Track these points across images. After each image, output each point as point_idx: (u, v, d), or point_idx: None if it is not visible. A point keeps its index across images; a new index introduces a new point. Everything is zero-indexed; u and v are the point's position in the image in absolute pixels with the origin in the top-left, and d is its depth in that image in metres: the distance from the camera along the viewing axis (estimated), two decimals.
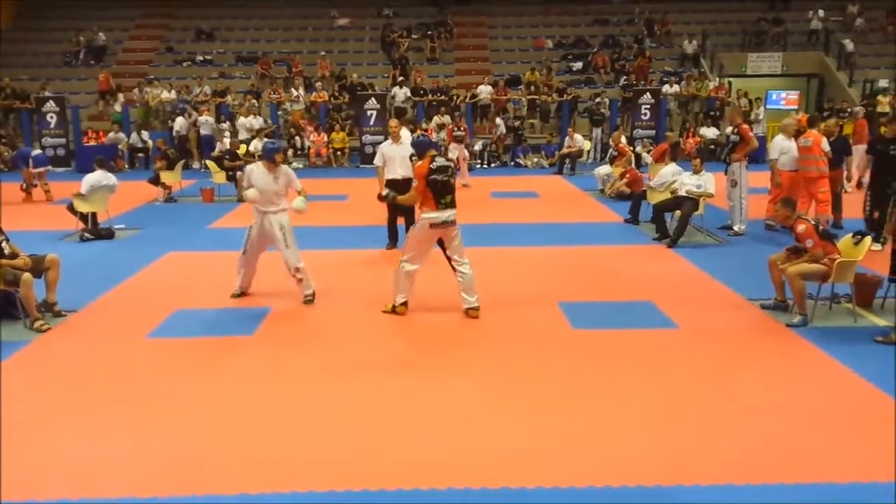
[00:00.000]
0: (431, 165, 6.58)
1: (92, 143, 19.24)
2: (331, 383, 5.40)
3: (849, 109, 20.63)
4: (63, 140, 19.55)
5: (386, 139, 9.83)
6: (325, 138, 19.64)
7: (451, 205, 6.68)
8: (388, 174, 9.30)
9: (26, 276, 6.51)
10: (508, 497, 3.85)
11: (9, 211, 11.47)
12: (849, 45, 23.60)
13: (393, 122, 9.80)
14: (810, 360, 5.80)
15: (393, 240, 9.61)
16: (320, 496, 3.88)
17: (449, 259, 6.95)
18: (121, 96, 21.60)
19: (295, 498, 3.87)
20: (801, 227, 6.64)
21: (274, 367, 5.74)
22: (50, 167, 14.60)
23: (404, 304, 6.93)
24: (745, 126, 10.62)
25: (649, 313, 6.91)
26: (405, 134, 9.94)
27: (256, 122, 18.97)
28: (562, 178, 17.10)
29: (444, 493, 3.90)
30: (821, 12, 24.73)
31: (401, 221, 9.69)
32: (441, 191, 6.59)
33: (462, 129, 16.97)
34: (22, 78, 22.68)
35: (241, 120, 19.25)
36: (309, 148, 19.69)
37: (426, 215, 6.65)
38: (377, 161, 9.52)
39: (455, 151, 15.65)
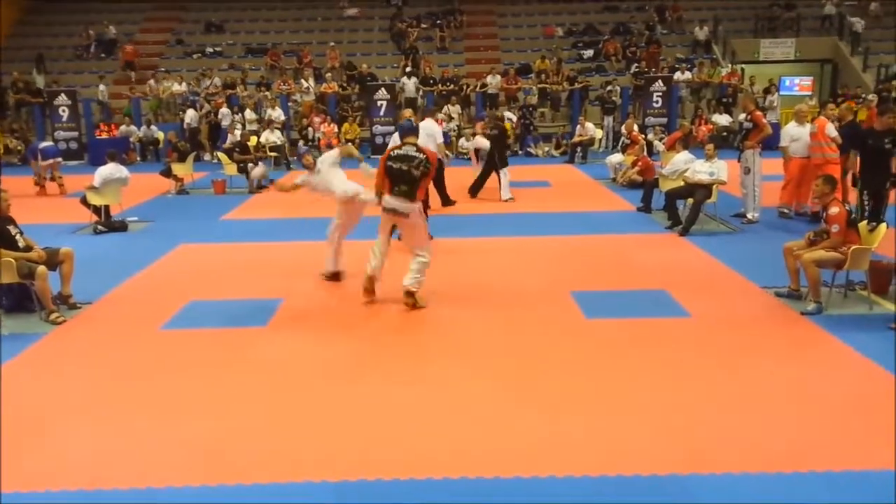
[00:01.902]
0: (392, 153, 6.68)
1: (104, 136, 19.33)
2: (344, 373, 5.41)
3: (863, 95, 20.43)
4: (75, 133, 19.67)
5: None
6: (336, 129, 19.63)
7: (406, 195, 6.51)
8: None
9: (41, 268, 6.55)
10: (522, 486, 3.86)
11: (23, 204, 11.55)
12: (858, 24, 23.29)
13: (406, 112, 9.76)
14: (825, 347, 5.77)
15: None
16: (334, 486, 3.90)
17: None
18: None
19: (309, 488, 3.89)
20: (834, 210, 6.50)
21: (287, 357, 5.76)
22: (60, 159, 14.60)
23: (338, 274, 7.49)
24: (759, 113, 10.54)
25: (662, 302, 6.88)
26: (427, 124, 9.93)
27: (275, 113, 18.96)
28: (573, 166, 17.04)
29: (457, 482, 3.91)
30: None
31: None
32: (396, 178, 6.54)
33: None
34: (32, 72, 22.80)
35: (249, 113, 19.26)
36: (319, 139, 19.68)
37: (384, 198, 6.68)
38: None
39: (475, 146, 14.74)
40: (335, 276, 7.79)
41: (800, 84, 22.86)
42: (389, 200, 6.62)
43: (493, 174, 12.61)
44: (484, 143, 12.74)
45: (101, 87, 21.61)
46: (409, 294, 6.75)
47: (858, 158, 8.98)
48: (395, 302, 7.01)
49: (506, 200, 12.25)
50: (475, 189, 12.77)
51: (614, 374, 5.29)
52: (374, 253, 7.01)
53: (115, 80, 23.28)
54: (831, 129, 9.84)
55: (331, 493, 3.84)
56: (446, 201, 11.78)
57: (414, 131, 7.11)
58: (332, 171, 7.65)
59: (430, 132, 10.91)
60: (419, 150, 6.65)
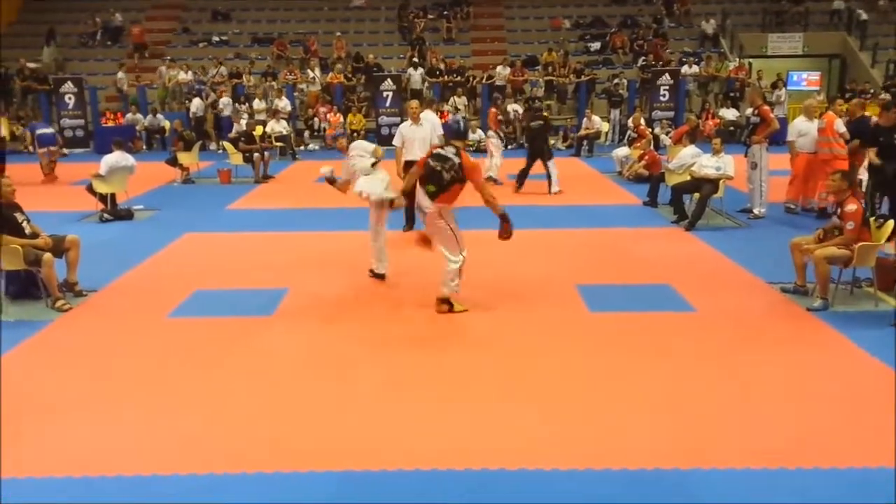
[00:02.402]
0: (434, 151, 6.48)
1: (110, 123, 19.34)
2: (349, 363, 5.43)
3: (871, 90, 20.33)
4: (81, 121, 19.68)
5: (403, 120, 9.79)
6: (342, 119, 19.61)
7: (432, 195, 6.33)
8: (407, 155, 9.28)
9: (47, 256, 6.57)
10: (526, 478, 3.87)
11: (29, 192, 11.57)
12: (861, 14, 23.20)
13: (413, 104, 9.72)
14: (830, 344, 5.76)
15: (410, 221, 9.60)
16: (338, 476, 3.91)
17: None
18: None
19: (313, 478, 3.90)
20: (851, 207, 6.44)
21: (293, 347, 5.78)
22: (53, 147, 14.58)
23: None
24: (766, 107, 10.49)
25: (667, 296, 6.88)
26: (428, 115, 9.90)
27: (282, 103, 18.94)
28: (579, 159, 17.00)
29: (462, 473, 3.92)
30: None
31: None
32: (428, 176, 6.34)
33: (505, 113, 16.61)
34: (39, 59, 22.80)
35: (258, 103, 19.22)
36: (325, 129, 19.68)
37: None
38: (396, 142, 9.49)
39: (496, 138, 14.34)
40: (377, 276, 7.57)
41: (807, 79, 22.79)
42: (418, 196, 6.50)
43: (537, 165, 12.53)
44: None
45: (120, 74, 21.60)
46: (442, 301, 6.52)
47: (870, 153, 8.96)
48: (401, 293, 7.02)
49: (555, 193, 12.29)
50: (521, 180, 12.63)
51: (618, 368, 5.30)
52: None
53: (120, 67, 23.24)
54: (840, 125, 9.80)
55: (335, 484, 3.86)
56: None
57: (461, 135, 6.82)
58: (362, 163, 7.50)
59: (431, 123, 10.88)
60: (458, 153, 6.37)
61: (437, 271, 7.22)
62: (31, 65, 21.68)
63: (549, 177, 12.42)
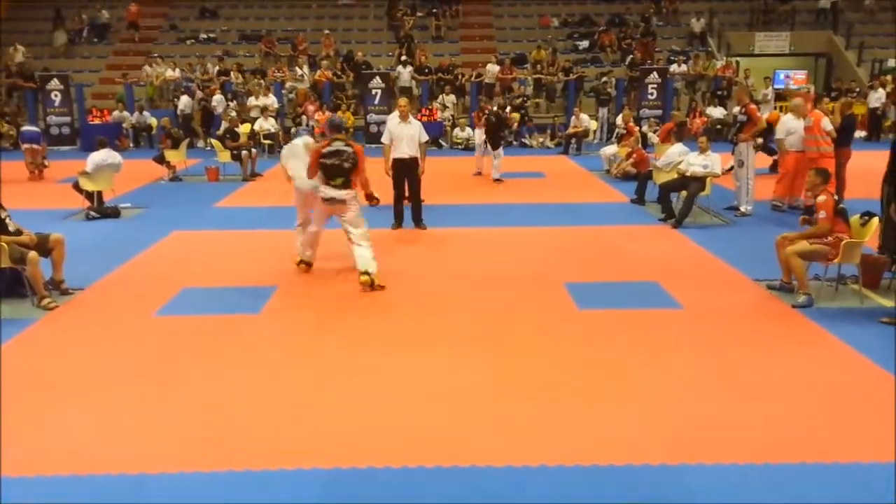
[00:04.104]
0: (324, 150, 7.03)
1: (97, 121, 19.22)
2: (336, 361, 5.42)
3: (857, 89, 20.48)
4: (68, 119, 19.54)
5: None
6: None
7: (344, 186, 7.04)
8: (395, 153, 9.28)
9: (32, 254, 6.53)
10: (513, 475, 3.88)
11: (14, 190, 11.49)
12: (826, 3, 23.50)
13: (402, 101, 9.73)
14: (815, 340, 5.81)
15: (398, 219, 9.60)
16: (325, 473, 3.91)
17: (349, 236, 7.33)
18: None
19: (300, 475, 3.90)
20: (821, 198, 6.60)
21: (280, 345, 5.77)
22: (34, 145, 14.40)
23: (305, 262, 7.69)
24: (753, 106, 10.55)
25: (655, 294, 6.91)
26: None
27: (269, 100, 18.85)
28: (567, 157, 17.04)
29: (450, 470, 3.92)
30: None
31: (407, 203, 9.70)
32: (330, 173, 7.01)
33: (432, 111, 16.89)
34: (27, 56, 22.61)
35: (253, 100, 19.11)
36: (313, 127, 19.60)
37: (320, 188, 7.19)
38: (384, 139, 9.50)
39: (482, 136, 14.22)
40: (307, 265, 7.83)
41: (794, 78, 22.90)
42: (327, 191, 7.09)
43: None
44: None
45: (164, 70, 21.48)
46: (367, 273, 7.10)
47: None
48: (388, 292, 7.03)
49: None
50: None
51: (606, 365, 5.32)
52: (311, 236, 7.56)
53: (107, 65, 23.13)
54: (826, 123, 9.86)
55: (322, 481, 3.85)
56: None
57: (340, 128, 7.48)
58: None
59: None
60: (348, 144, 7.08)
61: (427, 271, 7.24)
62: (20, 47, 21.89)
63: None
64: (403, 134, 9.21)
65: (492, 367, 5.29)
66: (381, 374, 5.19)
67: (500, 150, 13.30)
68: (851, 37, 23.46)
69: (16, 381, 5.07)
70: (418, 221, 9.57)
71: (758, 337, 5.85)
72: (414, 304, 6.72)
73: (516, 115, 16.53)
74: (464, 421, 4.48)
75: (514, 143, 19.36)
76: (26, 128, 14.65)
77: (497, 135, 13.39)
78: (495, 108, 14.73)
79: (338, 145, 7.07)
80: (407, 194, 9.61)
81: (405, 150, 9.19)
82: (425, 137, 9.37)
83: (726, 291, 6.96)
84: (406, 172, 9.33)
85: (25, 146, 14.32)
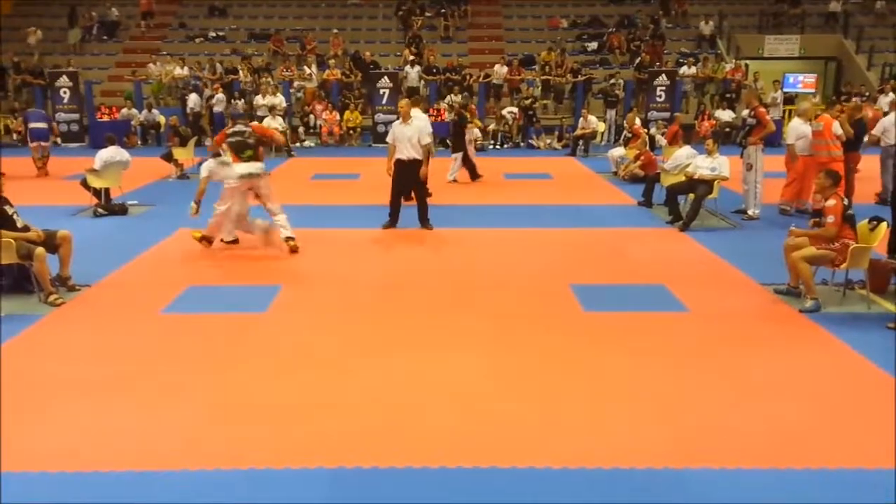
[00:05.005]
0: (227, 132, 8.43)
1: (105, 118, 19.27)
2: (341, 360, 5.42)
3: (867, 93, 20.38)
4: (77, 115, 19.60)
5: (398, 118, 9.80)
6: (338, 117, 19.58)
7: (253, 158, 8.31)
8: (397, 154, 9.29)
9: (39, 250, 6.55)
10: (517, 477, 3.87)
11: (22, 186, 11.53)
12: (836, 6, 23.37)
13: (402, 102, 9.75)
14: (822, 345, 5.78)
15: (392, 218, 9.57)
16: (330, 472, 3.91)
17: (265, 208, 8.51)
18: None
19: (304, 474, 3.90)
20: (831, 202, 6.57)
21: (286, 342, 5.77)
22: (42, 142, 14.53)
23: (234, 241, 8.65)
24: (762, 109, 10.50)
25: (661, 296, 6.89)
26: (417, 114, 9.88)
27: (276, 100, 18.86)
28: (575, 159, 17.01)
29: (454, 471, 3.92)
30: None
31: (409, 202, 9.70)
32: (239, 148, 8.28)
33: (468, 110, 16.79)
34: (34, 53, 22.74)
35: (259, 99, 19.11)
36: (321, 126, 19.65)
37: (235, 168, 8.24)
38: (389, 139, 9.53)
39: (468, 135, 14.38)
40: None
41: (803, 81, 22.80)
42: (243, 167, 8.21)
43: (465, 160, 13.28)
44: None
45: (172, 68, 21.44)
46: (292, 238, 8.36)
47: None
48: (395, 291, 7.03)
49: (449, 181, 13.06)
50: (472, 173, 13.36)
51: (611, 367, 5.30)
52: (229, 216, 8.33)
53: (116, 62, 23.20)
54: (837, 128, 9.82)
55: (327, 480, 3.85)
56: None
57: (242, 117, 9.30)
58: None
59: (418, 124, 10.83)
60: (247, 125, 8.62)
61: (433, 271, 7.22)
62: (31, 40, 22.37)
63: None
64: (404, 135, 9.23)
65: (497, 368, 5.28)
66: (387, 373, 5.19)
67: (458, 156, 13.15)
68: (861, 41, 23.35)
69: (21, 377, 5.09)
70: (424, 222, 9.56)
71: (764, 341, 5.82)
72: (420, 304, 6.72)
73: (477, 123, 16.33)
74: (469, 422, 4.48)
75: (522, 144, 19.36)
76: (35, 124, 14.70)
77: (456, 140, 13.28)
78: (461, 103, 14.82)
79: (239, 127, 8.48)
80: (412, 196, 9.62)
81: (405, 150, 9.20)
82: (427, 140, 9.32)
83: (733, 295, 6.94)
84: (406, 174, 9.30)
85: (34, 144, 14.39)
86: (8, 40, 23.04)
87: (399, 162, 9.27)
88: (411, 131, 9.20)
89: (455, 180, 13.09)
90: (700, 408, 4.67)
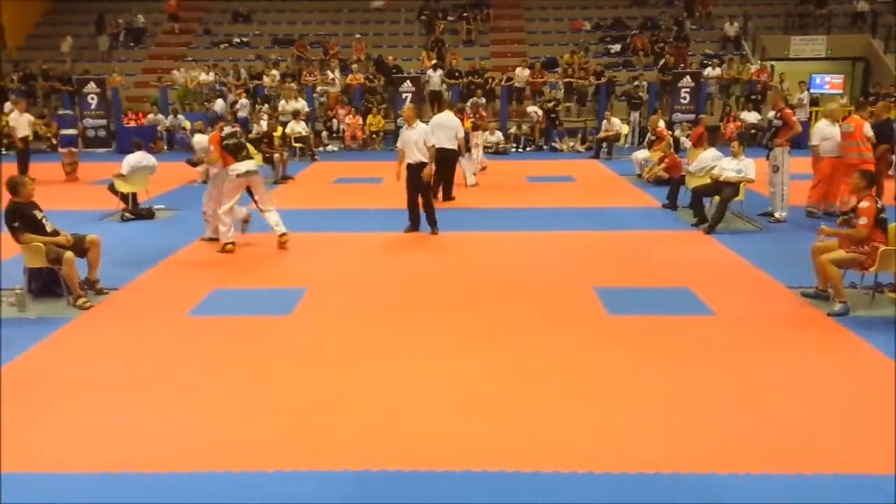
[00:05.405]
0: (222, 134, 8.64)
1: (132, 124, 19.52)
2: (365, 363, 5.43)
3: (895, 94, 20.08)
4: (104, 121, 19.89)
5: (424, 121, 9.85)
6: (361, 121, 19.67)
7: (249, 157, 8.74)
8: (406, 158, 9.32)
9: (68, 254, 6.64)
10: (542, 480, 3.85)
11: (51, 191, 11.72)
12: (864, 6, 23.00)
13: (406, 107, 9.85)
14: (851, 349, 5.69)
15: (413, 223, 9.57)
16: (355, 475, 3.91)
17: (258, 206, 8.95)
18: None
19: (330, 476, 3.91)
20: (864, 204, 6.45)
21: (311, 345, 5.80)
22: (73, 148, 15.02)
23: (233, 242, 8.69)
24: (789, 110, 10.40)
25: (686, 300, 6.83)
26: (444, 117, 9.92)
27: (299, 104, 19.00)
28: (598, 162, 16.93)
29: (478, 475, 3.90)
30: None
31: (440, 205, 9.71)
32: (235, 150, 8.59)
33: (478, 116, 16.85)
34: (66, 60, 23.11)
35: (284, 104, 19.24)
36: (344, 130, 19.74)
37: (232, 168, 8.53)
38: (399, 144, 9.63)
39: (473, 139, 14.43)
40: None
41: (831, 82, 22.50)
42: (241, 166, 8.53)
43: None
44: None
45: (197, 74, 21.67)
46: (284, 235, 8.77)
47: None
48: (419, 294, 7.03)
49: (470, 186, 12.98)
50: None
51: (636, 371, 5.26)
52: (232, 214, 8.69)
53: (143, 68, 23.50)
54: (868, 129, 9.70)
55: (352, 482, 3.86)
56: (448, 195, 11.73)
57: (219, 119, 9.59)
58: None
59: (444, 125, 10.82)
60: (233, 127, 9.06)
61: (457, 274, 7.21)
62: (65, 47, 23.03)
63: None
64: (409, 140, 9.28)
65: (519, 371, 5.26)
66: (412, 376, 5.20)
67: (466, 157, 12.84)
68: (890, 40, 23.00)
69: (52, 379, 5.16)
70: (431, 224, 9.53)
71: (793, 345, 5.75)
72: (444, 306, 6.72)
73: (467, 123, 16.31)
74: (492, 425, 4.46)
75: (545, 147, 19.31)
76: (65, 131, 15.04)
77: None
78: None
79: (229, 129, 8.84)
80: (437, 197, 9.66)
81: (413, 155, 9.25)
82: (431, 141, 9.36)
83: (760, 298, 6.86)
84: (417, 177, 9.32)
85: (64, 150, 14.67)
86: (38, 48, 23.44)
87: (409, 167, 9.32)
88: (417, 135, 9.25)
89: (476, 184, 13.05)
90: (727, 412, 4.61)
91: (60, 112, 16.98)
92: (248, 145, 9.20)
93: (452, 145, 10.92)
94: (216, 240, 8.90)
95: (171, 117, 19.85)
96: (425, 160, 9.24)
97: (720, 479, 3.86)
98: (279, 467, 3.99)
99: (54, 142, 16.08)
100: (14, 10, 24.46)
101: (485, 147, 18.44)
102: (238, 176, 8.53)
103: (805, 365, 5.36)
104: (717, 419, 4.53)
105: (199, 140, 13.81)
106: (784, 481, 3.84)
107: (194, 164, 14.18)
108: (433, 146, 9.39)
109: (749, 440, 4.26)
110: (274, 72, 21.47)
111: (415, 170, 9.25)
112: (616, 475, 3.90)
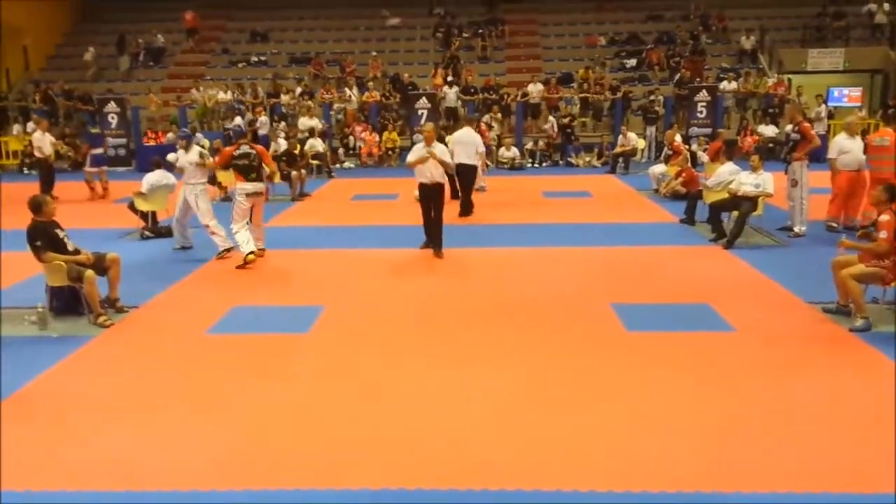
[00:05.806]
0: (234, 153, 8.92)
1: (152, 143, 19.74)
2: (383, 380, 5.44)
3: None
4: (124, 140, 20.13)
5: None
6: (377, 138, 19.78)
7: (257, 180, 8.97)
8: (420, 177, 9.23)
9: (89, 272, 6.71)
10: (561, 500, 3.83)
11: (73, 210, 11.85)
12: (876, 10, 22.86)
13: (427, 126, 9.71)
14: (873, 365, 5.62)
15: (429, 239, 9.52)
16: (372, 494, 3.91)
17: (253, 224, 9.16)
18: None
19: (348, 495, 3.91)
20: (885, 217, 6.39)
21: (329, 363, 5.81)
22: (105, 167, 15.42)
23: (252, 252, 8.80)
24: (807, 124, 10.34)
25: (705, 316, 6.78)
26: (464, 133, 9.92)
27: (312, 122, 19.16)
28: (615, 177, 16.91)
29: (497, 493, 3.89)
30: (886, 5, 23.88)
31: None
32: (245, 171, 8.87)
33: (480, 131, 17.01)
34: (90, 68, 23.49)
35: (303, 120, 19.40)
36: (360, 147, 19.86)
37: (240, 186, 8.95)
38: (410, 156, 9.55)
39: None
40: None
41: (849, 95, 22.36)
42: (248, 186, 8.90)
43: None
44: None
45: (216, 92, 21.86)
46: (260, 251, 9.06)
47: None
48: (436, 311, 7.04)
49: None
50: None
51: (654, 388, 5.23)
52: (246, 238, 8.85)
53: (162, 88, 23.79)
54: None
55: (369, 501, 3.86)
56: (466, 210, 11.71)
57: (244, 135, 9.80)
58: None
59: (465, 141, 10.83)
60: (252, 147, 9.07)
61: (474, 290, 7.21)
62: (87, 56, 23.53)
63: None
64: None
65: (540, 390, 5.24)
66: (431, 394, 5.19)
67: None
68: None
69: (73, 396, 5.21)
70: (436, 245, 9.33)
71: (814, 361, 5.69)
72: (461, 323, 6.71)
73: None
74: (511, 443, 4.44)
75: (561, 162, 19.31)
76: (95, 150, 15.31)
77: None
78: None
79: (244, 149, 8.95)
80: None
81: (428, 174, 9.14)
82: (481, 148, 9.40)
83: (780, 314, 6.80)
84: (431, 197, 9.26)
85: (94, 169, 14.92)
86: (60, 69, 23.80)
87: (423, 185, 9.24)
88: (455, 150, 9.23)
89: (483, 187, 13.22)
90: (747, 430, 4.57)
91: (92, 130, 17.21)
92: (267, 164, 9.23)
93: (472, 161, 10.91)
94: (228, 250, 9.14)
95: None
96: (441, 181, 9.22)
97: (743, 497, 3.81)
98: (298, 485, 3.99)
99: (81, 161, 16.33)
100: (36, 33, 24.89)
101: (500, 162, 18.56)
102: (247, 196, 8.88)
103: (827, 382, 5.30)
104: (741, 437, 4.48)
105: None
106: (808, 500, 3.79)
107: (213, 182, 14.31)
108: (453, 166, 9.40)
109: (772, 457, 4.21)
110: (297, 89, 21.68)
111: (429, 190, 9.21)
112: (637, 493, 3.86)
